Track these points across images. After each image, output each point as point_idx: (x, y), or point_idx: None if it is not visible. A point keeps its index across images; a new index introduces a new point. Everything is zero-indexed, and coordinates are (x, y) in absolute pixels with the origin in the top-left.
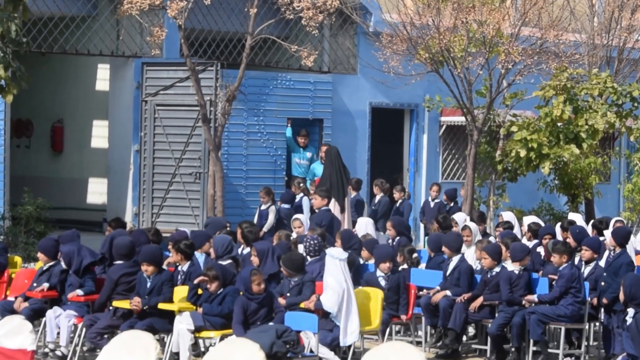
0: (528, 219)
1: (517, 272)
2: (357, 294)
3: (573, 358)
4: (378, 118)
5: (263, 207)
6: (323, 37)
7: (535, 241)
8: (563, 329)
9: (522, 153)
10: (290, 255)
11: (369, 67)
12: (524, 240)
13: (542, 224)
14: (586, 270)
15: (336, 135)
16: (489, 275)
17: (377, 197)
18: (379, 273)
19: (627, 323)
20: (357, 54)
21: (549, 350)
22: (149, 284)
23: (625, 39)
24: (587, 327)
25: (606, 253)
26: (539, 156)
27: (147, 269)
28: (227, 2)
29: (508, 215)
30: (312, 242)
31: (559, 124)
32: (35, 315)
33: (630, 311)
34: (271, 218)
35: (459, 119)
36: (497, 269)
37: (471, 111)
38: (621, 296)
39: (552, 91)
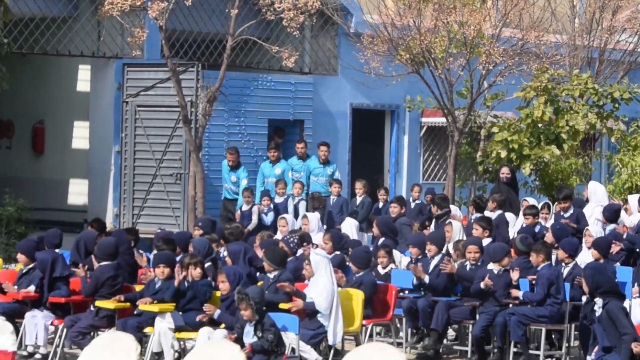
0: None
1: (496, 272)
2: (339, 295)
3: (554, 359)
4: (359, 119)
5: (245, 207)
6: (304, 38)
7: (499, 212)
8: (544, 329)
9: (503, 154)
10: (273, 248)
11: (350, 68)
12: (487, 213)
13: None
14: (565, 271)
15: (317, 136)
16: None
17: (360, 198)
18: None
19: (597, 314)
20: (338, 55)
21: (530, 352)
22: (157, 285)
23: (606, 40)
24: (567, 327)
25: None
26: (520, 157)
27: (163, 271)
28: (208, 3)
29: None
30: (289, 240)
31: (539, 125)
32: (11, 315)
33: (599, 301)
34: (254, 219)
35: (440, 120)
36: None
37: (452, 112)
38: (585, 288)
39: (533, 92)
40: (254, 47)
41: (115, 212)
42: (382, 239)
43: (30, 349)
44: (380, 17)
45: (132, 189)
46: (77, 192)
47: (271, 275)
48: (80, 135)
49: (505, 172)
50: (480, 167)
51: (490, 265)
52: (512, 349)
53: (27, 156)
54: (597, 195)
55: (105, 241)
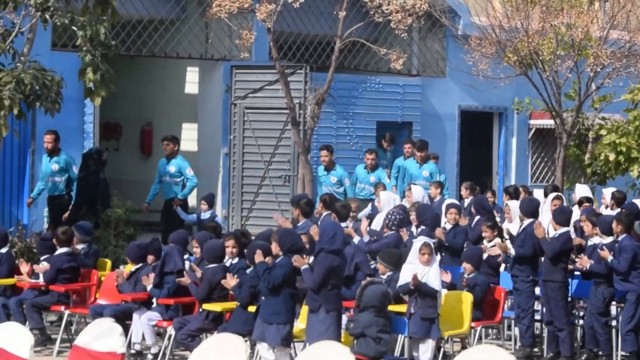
0: (608, 191)
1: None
2: (448, 297)
3: None
4: (467, 121)
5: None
6: (412, 40)
7: (619, 210)
8: None
9: (611, 157)
10: (388, 252)
11: (458, 70)
12: (608, 211)
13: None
14: None
15: (425, 138)
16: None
17: (467, 201)
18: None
19: None
20: (446, 57)
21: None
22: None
23: None
24: None
25: None
26: (628, 160)
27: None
28: (316, 5)
29: (584, 190)
30: (396, 215)
31: None
32: (121, 317)
33: None
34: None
35: (548, 122)
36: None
37: (560, 114)
38: None
39: None
40: (362, 49)
41: (224, 214)
42: (477, 218)
43: (137, 347)
44: (488, 19)
45: (241, 191)
46: None
47: (384, 276)
48: (189, 138)
49: None
50: (588, 170)
51: (604, 240)
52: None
53: (136, 158)
54: None
55: (213, 243)
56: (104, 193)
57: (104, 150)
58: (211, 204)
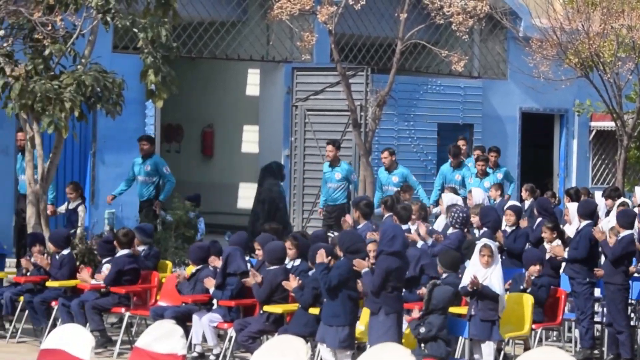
0: None
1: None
2: (508, 299)
3: None
4: (528, 123)
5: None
6: (473, 42)
7: None
8: None
9: None
10: (446, 254)
11: (519, 72)
12: None
13: None
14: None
15: (486, 140)
16: None
17: (528, 203)
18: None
19: None
20: (507, 59)
21: None
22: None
23: None
24: None
25: None
26: None
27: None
28: (377, 7)
29: None
30: (460, 214)
31: None
32: (181, 319)
33: None
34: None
35: (609, 124)
36: None
37: (621, 116)
38: None
39: None
40: (423, 51)
41: None
42: (539, 220)
43: (198, 348)
44: (549, 21)
45: (302, 192)
46: (247, 196)
47: (443, 277)
48: (250, 139)
49: None
50: None
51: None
52: None
53: (197, 160)
54: None
55: (274, 245)
56: (283, 205)
57: (283, 165)
58: (197, 204)
